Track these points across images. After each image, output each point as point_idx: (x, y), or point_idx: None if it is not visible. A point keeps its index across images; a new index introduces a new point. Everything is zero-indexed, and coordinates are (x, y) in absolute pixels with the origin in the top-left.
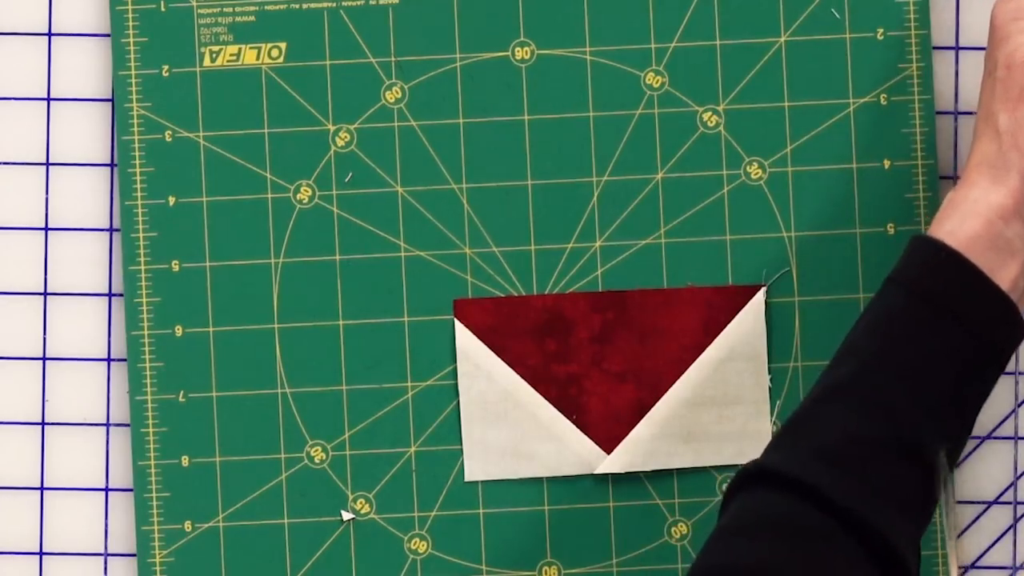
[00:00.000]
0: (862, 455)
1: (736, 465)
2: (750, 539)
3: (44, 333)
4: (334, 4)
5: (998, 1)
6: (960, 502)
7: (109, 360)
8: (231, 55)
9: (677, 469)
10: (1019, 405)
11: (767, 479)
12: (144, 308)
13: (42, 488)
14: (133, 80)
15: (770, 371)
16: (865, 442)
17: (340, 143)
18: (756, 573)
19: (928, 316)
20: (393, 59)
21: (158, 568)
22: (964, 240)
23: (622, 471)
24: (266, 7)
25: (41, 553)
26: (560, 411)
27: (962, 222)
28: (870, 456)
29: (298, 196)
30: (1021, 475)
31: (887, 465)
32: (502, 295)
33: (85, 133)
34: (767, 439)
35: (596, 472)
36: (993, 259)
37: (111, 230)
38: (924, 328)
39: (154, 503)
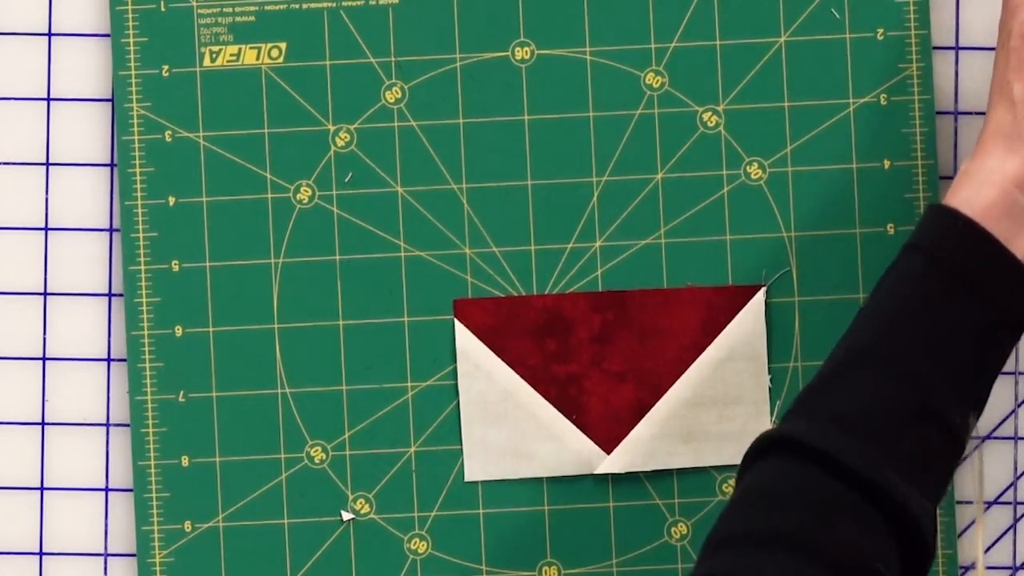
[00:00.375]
0: (884, 422)
1: (736, 465)
2: (770, 508)
3: (44, 333)
4: (334, 4)
5: None
6: (960, 502)
7: (109, 360)
8: (231, 55)
9: (677, 469)
10: (1019, 405)
11: (787, 447)
12: (144, 308)
13: (42, 488)
14: (133, 80)
15: (770, 371)
16: (887, 408)
17: (340, 143)
18: (775, 540)
19: (947, 284)
20: (393, 59)
21: (158, 568)
22: (980, 209)
23: (622, 471)
24: (266, 7)
25: (41, 553)
26: (560, 411)
27: (978, 191)
28: (892, 423)
29: (298, 196)
30: (1021, 475)
31: (908, 432)
32: (502, 295)
33: (85, 133)
34: None
35: (596, 472)
36: (1009, 228)
37: (111, 230)
38: (943, 296)
39: (154, 503)
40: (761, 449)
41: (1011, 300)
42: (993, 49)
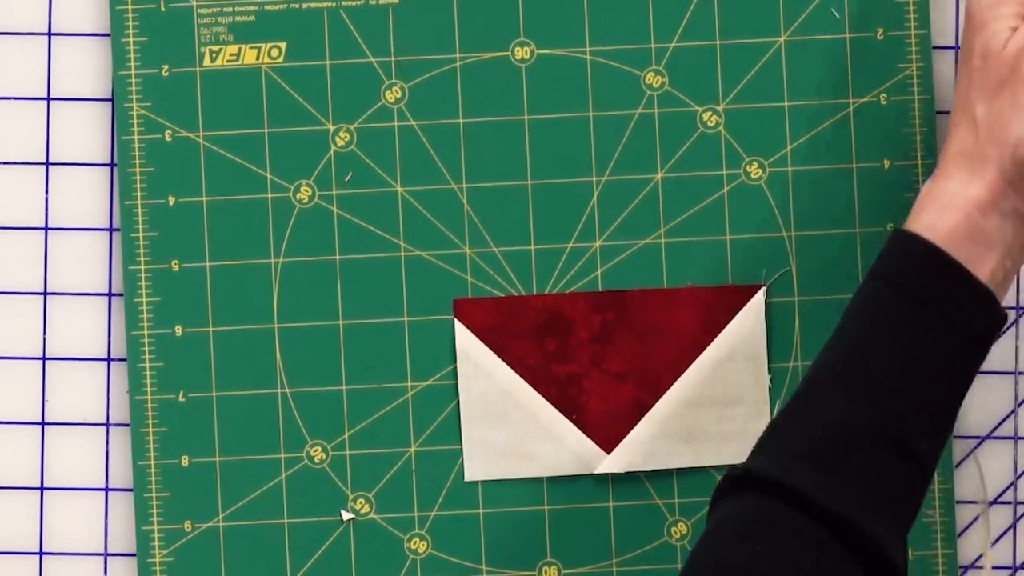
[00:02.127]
0: (850, 453)
1: (736, 465)
2: (738, 542)
3: (44, 333)
4: (334, 4)
5: None
6: (960, 502)
7: (109, 360)
8: (231, 55)
9: (677, 469)
10: (1019, 405)
11: (754, 484)
12: (144, 308)
13: (42, 488)
14: (133, 80)
15: (770, 371)
16: (852, 439)
17: (340, 143)
18: (744, 574)
19: (910, 311)
20: (393, 59)
21: (158, 568)
22: (943, 234)
23: (622, 471)
24: (266, 7)
25: (41, 553)
26: (560, 411)
27: (941, 215)
28: (858, 454)
29: (298, 196)
30: (1021, 475)
31: (875, 462)
32: (502, 295)
33: (85, 133)
34: None
35: (596, 472)
36: (972, 251)
37: (111, 230)
38: (907, 322)
39: (154, 503)
40: (730, 485)
41: (976, 322)
42: None
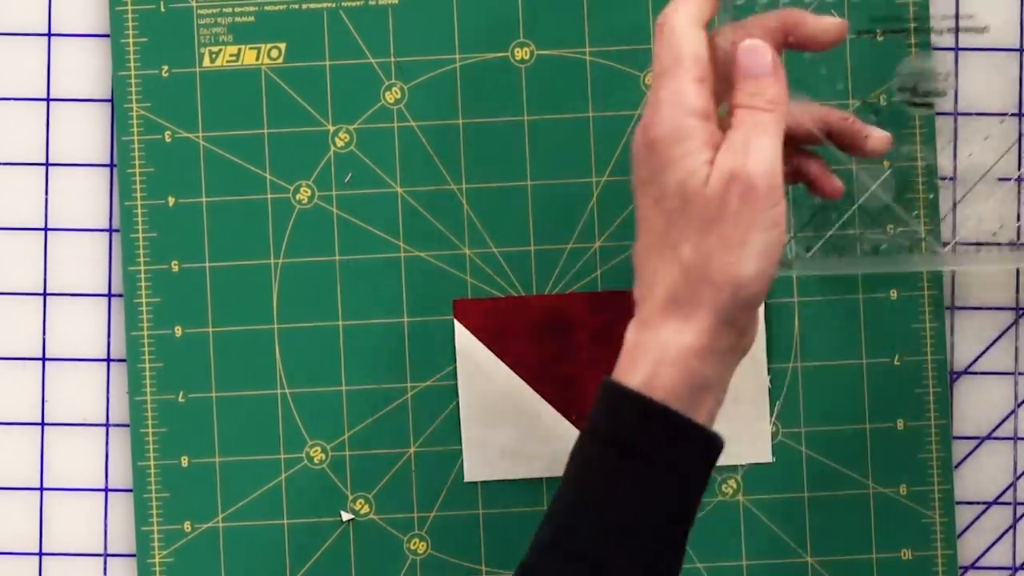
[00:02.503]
0: None
1: (736, 465)
2: None
3: (44, 333)
4: (334, 4)
5: (645, 121)
6: (960, 502)
7: (109, 360)
8: (231, 55)
9: None
10: (1019, 405)
11: None
12: (144, 308)
13: (42, 488)
14: (133, 80)
15: (770, 371)
16: None
17: (340, 143)
18: None
19: (625, 463)
20: (393, 59)
21: (158, 568)
22: (663, 391)
23: None
24: (265, 7)
25: (41, 554)
26: (560, 411)
27: (658, 370)
28: None
29: (298, 196)
30: (1021, 475)
31: None
32: (502, 295)
33: (85, 133)
34: (767, 439)
35: None
36: (693, 400)
37: (111, 230)
38: (622, 475)
39: (154, 503)
40: None
41: (694, 464)
42: (994, 50)
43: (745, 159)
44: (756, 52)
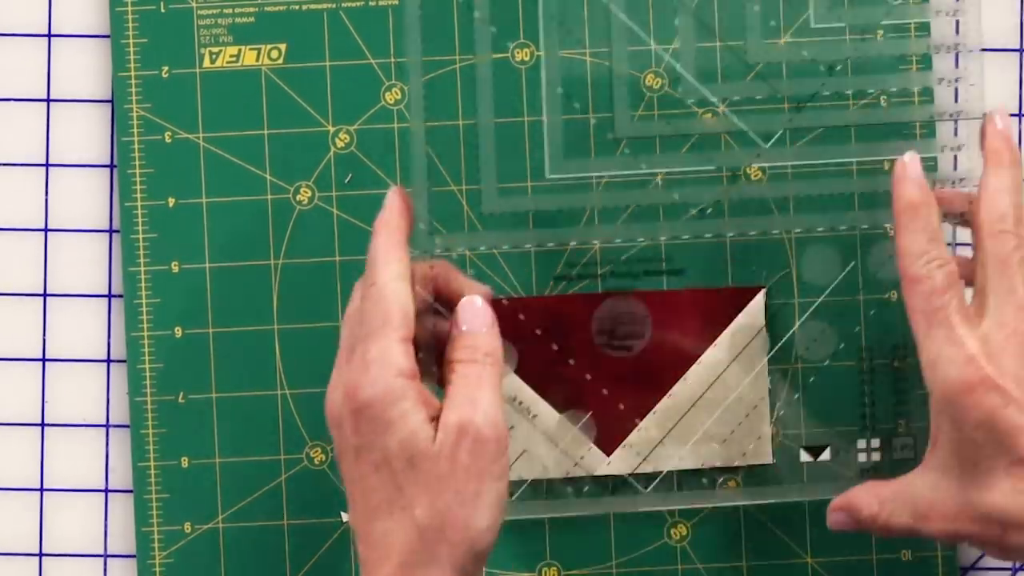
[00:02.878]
0: None
1: (736, 467)
2: None
3: (44, 334)
4: (334, 5)
5: (351, 385)
6: None
7: (108, 361)
8: (231, 56)
9: (677, 471)
10: None
11: None
12: (144, 309)
13: (41, 489)
14: (133, 81)
15: (770, 372)
16: None
17: (340, 144)
18: None
19: None
20: (393, 60)
21: (158, 569)
22: None
23: (622, 473)
24: (265, 8)
25: (41, 554)
26: (560, 412)
27: None
28: None
29: (298, 197)
30: None
31: None
32: (502, 296)
33: (85, 134)
34: (767, 440)
35: (596, 474)
36: None
37: (111, 231)
38: None
39: (153, 504)
40: None
41: None
42: (995, 50)
43: (473, 412)
44: (476, 309)
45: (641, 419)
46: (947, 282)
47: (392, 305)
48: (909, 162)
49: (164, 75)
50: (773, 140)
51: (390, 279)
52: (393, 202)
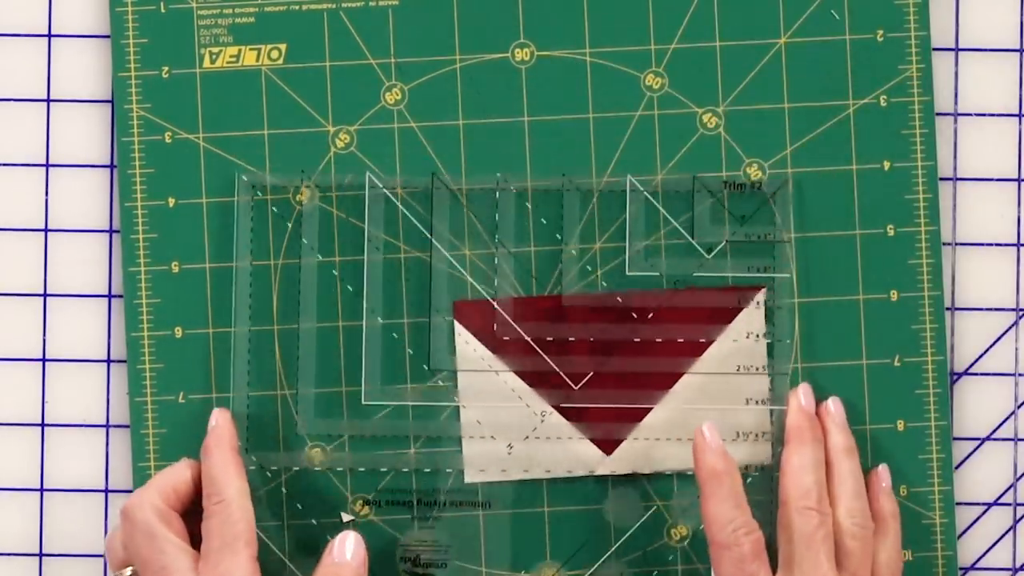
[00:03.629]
0: None
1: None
2: None
3: (44, 334)
4: (334, 5)
5: None
6: (960, 503)
7: (109, 361)
8: (231, 56)
9: (677, 470)
10: (1019, 406)
11: None
12: (144, 309)
13: (41, 489)
14: (133, 81)
15: (770, 373)
16: None
17: (340, 144)
18: None
19: None
20: (393, 60)
21: None
22: None
23: (622, 472)
24: (265, 8)
25: (41, 554)
26: (560, 412)
27: None
28: None
29: (298, 197)
30: (1021, 476)
31: None
32: (502, 295)
33: (85, 134)
34: (767, 440)
35: (596, 474)
36: None
37: (111, 231)
38: None
39: None
40: None
41: None
42: (995, 50)
43: None
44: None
45: (641, 419)
46: (754, 550)
47: (240, 523)
48: (708, 432)
49: (164, 75)
50: (773, 141)
51: (236, 495)
52: (220, 421)
